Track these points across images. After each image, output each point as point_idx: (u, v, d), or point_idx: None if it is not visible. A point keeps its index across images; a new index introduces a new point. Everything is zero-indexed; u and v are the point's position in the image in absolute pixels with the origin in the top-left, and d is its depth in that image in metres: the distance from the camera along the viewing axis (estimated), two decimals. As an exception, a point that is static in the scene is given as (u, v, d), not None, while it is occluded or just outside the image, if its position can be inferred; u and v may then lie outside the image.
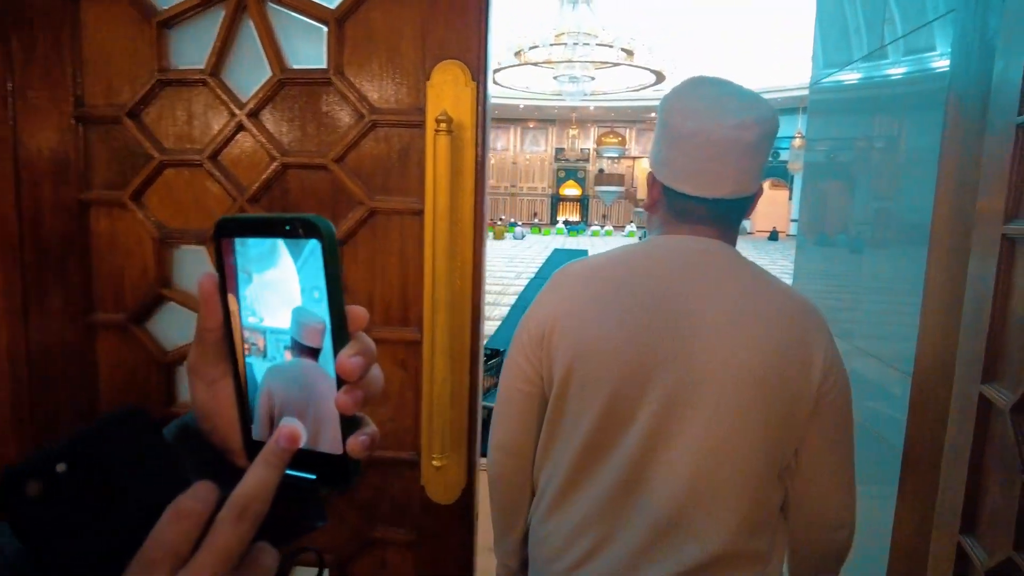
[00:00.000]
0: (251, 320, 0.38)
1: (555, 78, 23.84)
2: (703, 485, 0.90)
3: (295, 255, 0.36)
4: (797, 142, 30.35)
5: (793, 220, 32.56)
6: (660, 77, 24.04)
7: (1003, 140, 1.05)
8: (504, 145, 39.18)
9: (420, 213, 1.20)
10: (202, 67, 1.24)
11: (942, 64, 1.57)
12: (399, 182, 1.23)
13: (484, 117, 1.18)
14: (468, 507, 1.28)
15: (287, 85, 1.24)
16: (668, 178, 0.97)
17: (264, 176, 1.25)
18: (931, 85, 1.63)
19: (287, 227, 0.35)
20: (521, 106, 33.90)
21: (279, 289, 0.37)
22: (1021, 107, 0.99)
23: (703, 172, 0.92)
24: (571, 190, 39.37)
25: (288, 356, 0.37)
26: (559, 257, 18.42)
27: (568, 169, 39.01)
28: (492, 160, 33.56)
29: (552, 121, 38.22)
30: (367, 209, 1.23)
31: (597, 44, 20.71)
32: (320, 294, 0.35)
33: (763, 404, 0.89)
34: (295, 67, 1.24)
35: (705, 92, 0.94)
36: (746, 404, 0.89)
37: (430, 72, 1.17)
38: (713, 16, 30.22)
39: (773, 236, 29.58)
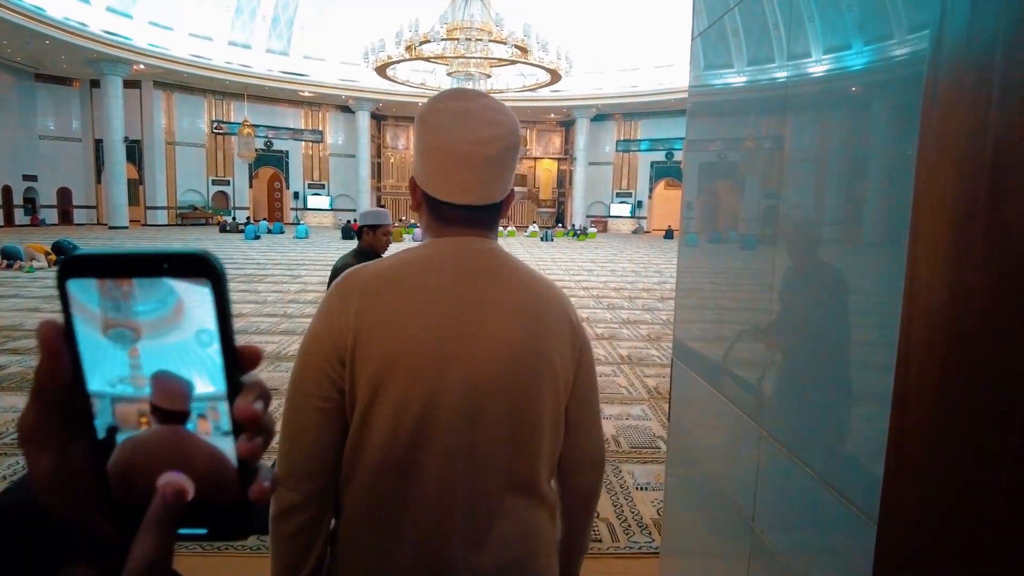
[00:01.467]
0: (116, 385, 0.33)
1: (449, 75, 22.99)
2: (504, 456, 1.00)
3: (175, 298, 0.31)
4: (690, 143, 31.19)
5: (688, 219, 33.47)
6: (556, 76, 23.72)
7: None
8: (404, 144, 38.00)
9: None
10: None
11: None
12: None
13: None
14: None
15: None
16: (425, 184, 1.04)
17: None
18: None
19: (165, 265, 0.31)
20: (420, 104, 32.78)
21: (158, 342, 0.32)
22: None
23: (451, 181, 1.01)
24: (473, 190, 38.66)
25: (145, 424, 0.33)
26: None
27: (470, 169, 38.29)
28: (392, 159, 32.68)
29: (452, 120, 37.34)
30: None
31: (490, 40, 20.04)
32: (209, 338, 0.32)
33: (547, 373, 1.02)
34: None
35: (453, 107, 1.01)
36: (534, 376, 1.01)
37: None
38: (609, 16, 30.53)
39: (668, 235, 30.17)
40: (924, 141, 0.75)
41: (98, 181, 27.89)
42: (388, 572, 0.98)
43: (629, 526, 3.10)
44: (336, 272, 3.34)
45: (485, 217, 1.04)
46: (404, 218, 34.47)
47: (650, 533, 3.04)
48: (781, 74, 1.35)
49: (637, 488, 3.53)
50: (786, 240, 1.25)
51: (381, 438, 0.96)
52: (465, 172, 0.99)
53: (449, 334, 0.97)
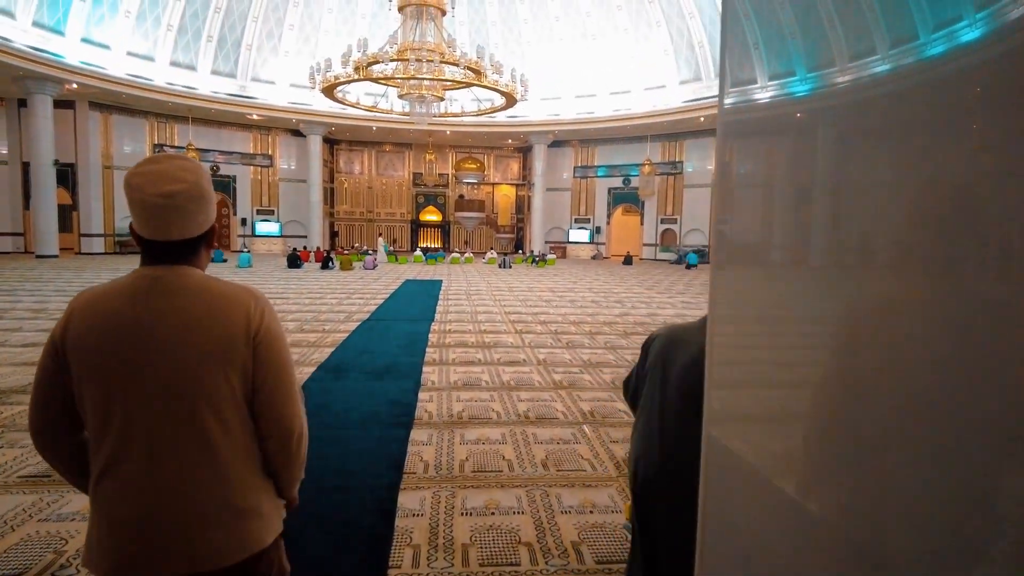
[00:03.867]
0: None
1: (401, 97, 22.26)
2: (188, 434, 1.40)
3: None
4: (646, 169, 31.08)
5: (646, 244, 33.30)
6: (511, 100, 23.26)
7: None
8: (360, 169, 37.07)
9: None
10: None
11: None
12: None
13: None
14: None
15: None
16: (136, 227, 1.44)
17: None
18: None
19: None
20: (374, 128, 32.04)
21: None
22: None
23: (148, 224, 1.41)
24: (431, 216, 38.05)
25: None
26: (408, 288, 16.67)
27: (428, 195, 37.68)
28: (346, 184, 31.49)
29: (408, 145, 36.70)
30: None
31: (443, 62, 19.42)
32: None
33: (220, 360, 1.39)
34: None
35: (146, 169, 1.42)
36: (207, 363, 1.39)
37: None
38: (564, 43, 30.44)
39: (627, 260, 29.89)
40: None
41: (26, 207, 26.03)
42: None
43: None
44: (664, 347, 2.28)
45: (185, 249, 1.45)
46: (357, 244, 33.42)
47: None
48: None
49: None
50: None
51: (97, 424, 1.39)
52: (157, 218, 1.40)
53: (126, 349, 1.37)
